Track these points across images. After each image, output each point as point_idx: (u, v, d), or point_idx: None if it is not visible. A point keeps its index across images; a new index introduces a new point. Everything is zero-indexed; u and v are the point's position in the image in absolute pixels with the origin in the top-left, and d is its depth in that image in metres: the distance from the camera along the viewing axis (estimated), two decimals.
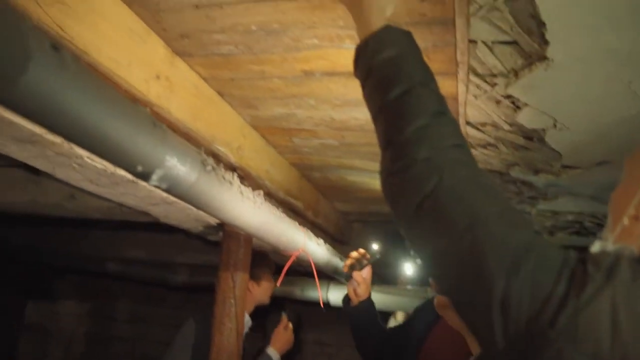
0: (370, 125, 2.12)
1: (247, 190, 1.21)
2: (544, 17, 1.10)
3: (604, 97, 1.40)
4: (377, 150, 2.34)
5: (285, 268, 1.79)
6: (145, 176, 0.86)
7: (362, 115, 2.04)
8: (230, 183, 1.10)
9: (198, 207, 1.07)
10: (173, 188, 0.94)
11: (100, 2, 1.40)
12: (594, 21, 1.09)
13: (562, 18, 1.09)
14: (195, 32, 1.59)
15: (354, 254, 2.11)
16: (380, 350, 2.04)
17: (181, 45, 1.67)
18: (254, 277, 2.88)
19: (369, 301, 2.11)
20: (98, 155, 0.74)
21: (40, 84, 0.56)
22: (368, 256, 2.09)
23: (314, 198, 3.34)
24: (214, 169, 1.03)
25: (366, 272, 2.09)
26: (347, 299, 2.16)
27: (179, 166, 0.91)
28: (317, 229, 3.59)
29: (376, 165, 2.60)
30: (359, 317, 2.07)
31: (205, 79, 1.89)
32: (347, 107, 1.98)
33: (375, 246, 2.04)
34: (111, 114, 0.69)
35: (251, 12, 1.45)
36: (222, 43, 1.64)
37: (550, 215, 2.86)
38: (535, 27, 1.17)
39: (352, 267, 2.09)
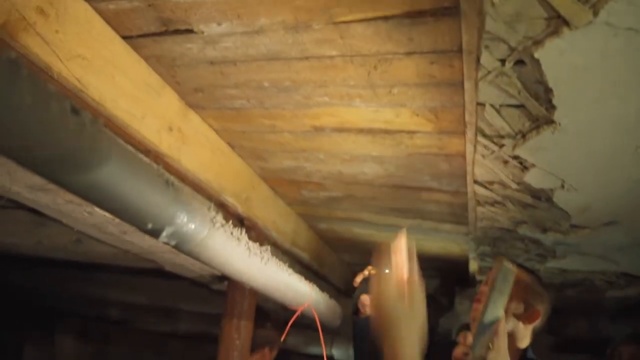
0: (378, 181, 2.16)
1: (255, 246, 1.21)
2: (551, 83, 1.12)
3: (611, 160, 1.41)
4: (383, 204, 2.35)
5: (290, 323, 1.77)
6: (155, 233, 0.87)
7: (370, 170, 2.06)
8: (238, 239, 1.11)
9: (205, 263, 1.07)
10: (181, 245, 0.94)
11: (119, 56, 1.44)
12: (600, 89, 1.11)
13: (569, 85, 1.11)
14: (209, 87, 1.63)
15: (366, 271, 2.05)
16: None
17: (195, 98, 1.71)
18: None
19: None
20: (109, 212, 0.75)
21: (61, 143, 0.58)
22: None
23: (320, 249, 3.32)
24: (222, 225, 1.04)
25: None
26: (356, 307, 2.12)
27: (188, 224, 0.92)
28: (322, 280, 3.56)
29: (382, 219, 2.61)
30: (362, 330, 2.02)
31: (216, 131, 1.92)
32: (356, 162, 2.00)
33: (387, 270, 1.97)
34: (126, 173, 0.71)
35: (264, 69, 1.48)
36: (235, 97, 1.67)
37: (559, 273, 2.83)
38: (543, 92, 1.19)
39: (361, 284, 2.04)
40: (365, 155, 1.92)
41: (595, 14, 0.92)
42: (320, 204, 2.61)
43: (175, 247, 0.94)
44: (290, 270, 1.46)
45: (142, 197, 0.76)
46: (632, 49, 0.98)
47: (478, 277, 3.14)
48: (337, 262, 3.74)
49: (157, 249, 2.11)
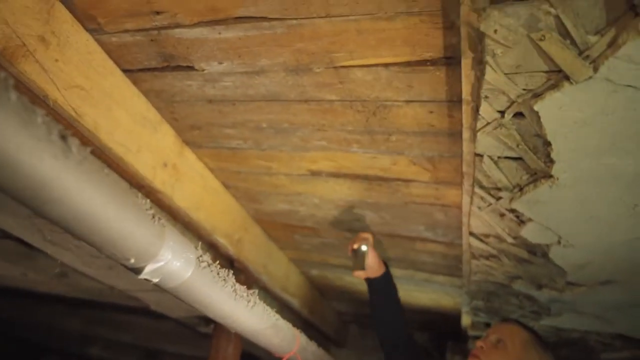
0: (372, 229, 2.13)
1: (242, 289, 1.18)
2: (550, 137, 1.11)
3: (609, 217, 1.39)
4: (379, 253, 2.31)
5: None
6: (137, 269, 0.84)
7: (364, 217, 2.03)
8: (225, 281, 1.07)
9: (188, 303, 1.03)
10: (164, 283, 0.91)
11: (117, 89, 1.44)
12: (599, 144, 1.10)
13: (568, 139, 1.10)
14: (206, 125, 1.62)
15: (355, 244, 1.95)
16: (396, 328, 1.92)
17: (191, 136, 1.70)
18: None
19: (383, 278, 1.95)
20: (88, 243, 0.73)
21: (41, 169, 0.56)
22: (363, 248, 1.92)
23: (311, 296, 3.26)
24: (209, 265, 1.01)
25: (368, 264, 1.90)
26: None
27: (173, 262, 0.88)
28: (312, 328, 3.48)
29: None
30: (373, 292, 1.94)
31: (211, 170, 1.91)
32: (351, 209, 1.98)
33: (363, 247, 1.88)
34: (109, 206, 0.68)
35: (263, 110, 1.48)
36: (232, 137, 1.66)
37: (554, 332, 2.76)
38: (541, 145, 1.18)
39: (355, 254, 1.94)
40: (360, 201, 1.90)
41: (596, 69, 0.92)
42: (313, 250, 2.57)
43: (158, 284, 0.91)
44: (278, 316, 1.41)
45: (125, 230, 0.73)
46: (632, 106, 0.97)
47: (470, 332, 3.06)
48: (328, 310, 3.67)
49: (143, 286, 2.06)
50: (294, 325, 1.75)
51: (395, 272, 2.60)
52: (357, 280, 2.96)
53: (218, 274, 1.05)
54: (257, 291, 1.27)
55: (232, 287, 1.11)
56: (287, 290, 2.84)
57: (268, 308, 1.35)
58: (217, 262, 1.06)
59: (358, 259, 1.90)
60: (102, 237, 0.72)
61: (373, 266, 1.89)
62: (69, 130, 0.64)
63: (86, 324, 4.36)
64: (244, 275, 2.39)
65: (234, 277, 1.14)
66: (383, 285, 1.94)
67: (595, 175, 1.22)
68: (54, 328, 4.53)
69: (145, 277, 0.87)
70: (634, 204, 1.31)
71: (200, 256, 0.99)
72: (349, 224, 2.12)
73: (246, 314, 1.19)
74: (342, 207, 1.99)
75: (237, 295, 1.14)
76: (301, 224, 2.26)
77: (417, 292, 2.95)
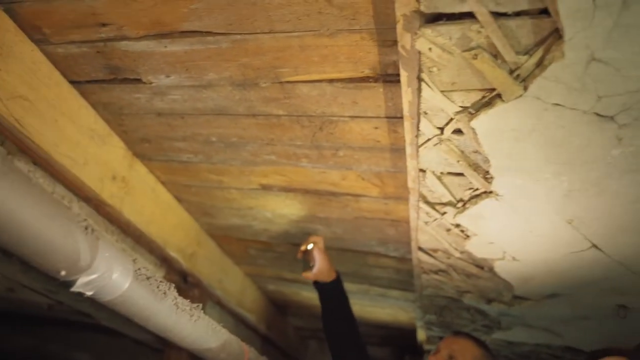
0: (325, 243, 2.14)
1: (184, 303, 1.17)
2: (488, 153, 1.15)
3: (547, 232, 1.43)
4: None
5: None
6: (68, 282, 0.83)
7: (316, 232, 2.04)
8: (165, 294, 1.06)
9: (127, 316, 1.02)
10: (99, 296, 0.90)
11: (64, 100, 1.42)
12: (534, 162, 1.14)
13: (505, 156, 1.14)
14: (156, 138, 1.62)
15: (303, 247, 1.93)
16: (347, 340, 1.88)
17: (142, 148, 1.69)
18: None
19: (333, 284, 1.91)
20: (17, 255, 0.72)
21: None
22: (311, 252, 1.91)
23: (268, 311, 3.25)
24: (147, 278, 1.00)
25: (316, 267, 1.88)
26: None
27: (108, 275, 0.88)
28: (270, 344, 3.46)
29: None
30: (324, 298, 1.91)
31: (163, 183, 1.90)
32: (303, 223, 1.99)
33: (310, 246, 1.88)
34: (36, 218, 0.67)
35: (212, 124, 1.48)
36: (182, 151, 1.66)
37: (506, 345, 2.81)
38: (481, 161, 1.21)
39: (304, 255, 1.93)
40: (312, 216, 1.91)
41: (526, 88, 0.95)
42: (269, 264, 2.57)
43: (93, 297, 0.89)
44: (225, 330, 1.40)
45: (54, 242, 0.72)
46: (561, 123, 1.01)
47: (426, 347, 3.09)
48: (286, 325, 3.65)
49: (92, 302, 2.02)
50: (251, 340, 1.75)
51: (351, 287, 2.62)
52: (314, 295, 2.96)
53: (158, 287, 1.05)
54: (201, 305, 1.26)
55: (173, 300, 1.11)
56: (243, 305, 2.82)
57: (214, 322, 1.34)
58: (156, 275, 1.05)
59: (306, 259, 1.94)
60: (29, 249, 0.71)
61: (322, 269, 1.88)
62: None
63: (39, 341, 4.23)
64: (198, 290, 2.37)
65: (175, 290, 1.13)
66: (333, 292, 1.93)
67: (531, 191, 1.26)
68: (5, 347, 4.38)
69: (78, 289, 0.86)
70: (569, 219, 1.35)
71: (139, 269, 0.98)
72: (302, 238, 2.13)
73: (189, 328, 1.18)
74: (295, 221, 2.00)
75: (178, 309, 1.13)
76: (255, 239, 2.25)
77: (373, 307, 2.97)
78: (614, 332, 2.13)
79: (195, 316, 1.21)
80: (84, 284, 0.83)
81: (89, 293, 0.88)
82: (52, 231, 0.72)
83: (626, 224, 1.34)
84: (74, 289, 0.84)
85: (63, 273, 0.79)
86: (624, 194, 1.22)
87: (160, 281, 1.06)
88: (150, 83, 1.35)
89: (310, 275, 1.90)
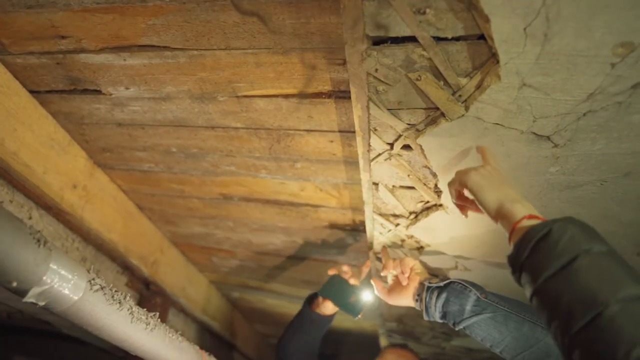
0: (286, 252, 2.17)
1: (140, 312, 1.18)
2: (435, 169, 1.20)
3: (494, 245, 1.49)
4: (293, 275, 2.35)
5: None
6: (20, 292, 0.84)
7: (278, 241, 2.08)
8: (120, 304, 1.08)
9: (81, 326, 1.03)
10: (52, 306, 0.91)
11: (23, 109, 1.43)
12: None
13: (450, 172, 1.19)
14: (117, 148, 1.63)
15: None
16: None
17: (103, 158, 1.70)
18: None
19: (329, 319, 1.77)
20: None
21: None
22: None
23: (233, 319, 3.26)
24: (102, 288, 1.02)
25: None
26: (311, 300, 1.80)
27: (59, 285, 0.89)
28: (235, 351, 3.47)
29: (293, 290, 2.60)
30: (313, 324, 1.75)
31: (125, 192, 1.91)
32: (264, 232, 2.02)
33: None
34: None
35: (172, 135, 1.51)
36: (143, 160, 1.68)
37: (465, 352, 2.87)
38: (430, 175, 1.26)
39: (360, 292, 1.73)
40: (273, 225, 1.95)
41: (467, 108, 1.00)
42: (232, 272, 2.59)
43: (46, 307, 0.91)
44: (182, 339, 1.42)
45: (5, 253, 0.74)
46: (501, 142, 1.07)
47: None
48: (250, 332, 3.66)
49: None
50: (216, 348, 1.75)
51: None
52: (278, 302, 3.00)
53: (113, 297, 1.06)
54: (158, 314, 1.28)
55: (128, 310, 1.12)
56: (208, 313, 2.83)
57: (171, 331, 1.36)
58: (111, 284, 1.07)
59: (362, 301, 1.68)
60: None
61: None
62: None
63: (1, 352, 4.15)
64: (161, 298, 2.38)
65: (131, 299, 1.15)
66: (326, 324, 1.80)
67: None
68: None
69: (31, 300, 0.88)
70: None
71: (93, 279, 1.00)
72: (264, 247, 2.16)
73: (144, 337, 1.20)
74: (256, 230, 2.02)
75: (134, 318, 1.15)
76: (218, 247, 2.28)
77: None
78: None
79: (152, 325, 1.23)
80: (36, 294, 0.85)
81: (41, 303, 0.89)
82: (3, 243, 0.74)
83: None
84: (26, 299, 0.85)
85: (14, 284, 0.81)
86: (567, 208, 1.28)
87: (116, 291, 1.08)
88: (110, 94, 1.37)
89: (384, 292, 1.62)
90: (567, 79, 0.89)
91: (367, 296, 1.67)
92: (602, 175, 1.15)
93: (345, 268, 1.72)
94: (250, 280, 2.66)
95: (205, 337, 3.06)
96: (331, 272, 1.72)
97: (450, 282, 1.44)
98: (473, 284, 1.44)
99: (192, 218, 2.03)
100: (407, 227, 1.50)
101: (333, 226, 1.86)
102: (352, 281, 1.71)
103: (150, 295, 2.34)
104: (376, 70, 0.99)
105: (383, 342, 3.04)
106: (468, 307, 1.40)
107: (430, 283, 1.47)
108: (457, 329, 1.44)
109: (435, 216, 1.41)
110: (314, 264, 2.25)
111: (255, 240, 2.12)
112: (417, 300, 1.50)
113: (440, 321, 1.46)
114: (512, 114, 1.00)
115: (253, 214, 1.88)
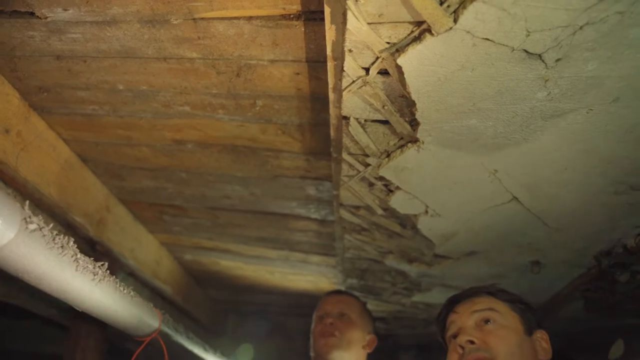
0: (243, 206, 2.05)
1: (86, 260, 1.05)
2: (414, 96, 1.09)
3: (470, 184, 1.42)
4: (250, 233, 2.24)
5: (135, 355, 1.58)
6: None
7: (234, 194, 1.95)
8: (62, 248, 0.94)
9: (16, 275, 0.89)
10: None
11: None
12: (460, 104, 1.10)
13: (432, 98, 1.09)
14: (55, 86, 1.46)
15: None
16: None
17: (39, 99, 1.53)
18: None
19: None
20: None
21: None
22: None
23: (185, 283, 3.12)
24: (40, 228, 0.88)
25: None
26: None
27: None
28: (187, 317, 3.34)
29: (249, 249, 2.49)
30: None
31: (65, 141, 1.73)
32: (219, 184, 1.89)
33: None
34: None
35: (118, 69, 1.35)
36: (86, 102, 1.51)
37: (425, 308, 2.85)
38: (406, 107, 1.17)
39: None
40: (230, 176, 1.82)
41: (456, 20, 0.90)
42: (185, 232, 2.45)
43: None
44: (134, 294, 1.29)
45: None
46: (490, 62, 0.98)
47: None
48: (204, 298, 3.54)
49: None
50: (168, 314, 1.64)
51: (270, 253, 2.55)
52: (233, 264, 2.88)
53: (53, 239, 0.92)
54: (107, 264, 1.14)
55: (72, 256, 0.99)
56: (159, 276, 2.69)
57: (122, 284, 1.23)
58: (52, 224, 0.92)
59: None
60: None
61: None
62: None
63: None
64: (108, 260, 2.20)
65: (75, 245, 1.01)
66: None
67: (457, 138, 1.23)
68: None
69: None
70: (494, 169, 1.34)
71: (29, 217, 0.86)
72: (219, 201, 2.03)
73: (91, 288, 1.07)
74: (212, 182, 1.89)
75: (79, 266, 1.01)
76: (169, 203, 2.13)
77: (295, 274, 2.92)
78: (527, 289, 2.19)
79: (100, 276, 1.10)
80: None
81: None
82: None
83: (548, 174, 1.34)
84: None
85: None
86: (548, 141, 1.22)
87: (57, 234, 0.94)
88: (45, 18, 1.20)
89: None
90: None
91: None
92: (590, 101, 1.08)
93: None
94: (204, 241, 2.53)
95: (157, 302, 2.91)
96: None
97: None
98: None
99: (141, 170, 1.87)
100: (378, 167, 1.40)
101: (294, 175, 1.75)
102: None
103: (96, 257, 2.17)
104: None
105: None
106: None
107: None
108: None
109: (409, 154, 1.32)
110: (272, 219, 2.14)
111: (209, 194, 1.98)
112: None
113: None
114: (504, 27, 0.90)
115: (208, 162, 1.75)
